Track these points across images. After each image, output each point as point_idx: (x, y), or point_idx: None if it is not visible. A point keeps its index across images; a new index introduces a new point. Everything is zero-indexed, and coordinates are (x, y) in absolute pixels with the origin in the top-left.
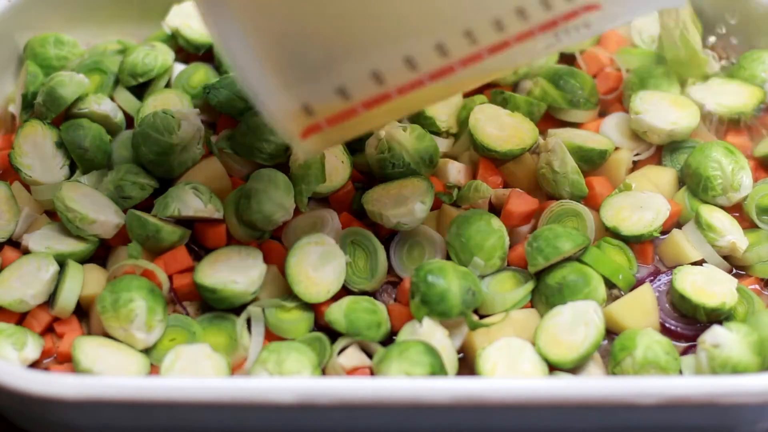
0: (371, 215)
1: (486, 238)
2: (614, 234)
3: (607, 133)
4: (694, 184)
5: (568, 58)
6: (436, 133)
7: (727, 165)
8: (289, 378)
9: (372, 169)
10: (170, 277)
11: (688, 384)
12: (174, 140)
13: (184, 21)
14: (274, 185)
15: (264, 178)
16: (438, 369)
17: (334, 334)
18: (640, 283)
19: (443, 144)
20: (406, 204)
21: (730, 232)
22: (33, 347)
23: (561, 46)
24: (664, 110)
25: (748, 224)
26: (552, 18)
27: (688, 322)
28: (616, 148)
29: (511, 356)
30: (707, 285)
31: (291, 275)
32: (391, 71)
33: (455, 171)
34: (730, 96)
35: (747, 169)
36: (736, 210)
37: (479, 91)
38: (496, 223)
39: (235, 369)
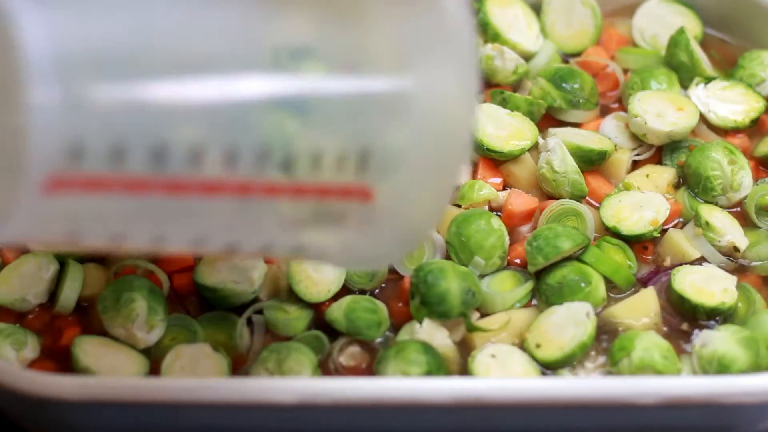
0: None
1: (486, 237)
2: (614, 234)
3: (607, 133)
4: (694, 184)
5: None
6: None
7: (727, 165)
8: (290, 378)
9: None
10: (170, 277)
11: (688, 384)
12: None
13: None
14: None
15: None
16: (435, 368)
17: (333, 333)
18: (640, 281)
19: None
20: None
21: (729, 232)
22: (32, 347)
23: (302, 250)
24: (662, 111)
25: (747, 223)
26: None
27: (687, 322)
28: (617, 148)
29: (501, 361)
30: (706, 284)
31: (291, 275)
32: (177, 148)
33: None
34: (728, 105)
35: (747, 169)
36: (736, 209)
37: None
38: (495, 222)
39: (236, 368)
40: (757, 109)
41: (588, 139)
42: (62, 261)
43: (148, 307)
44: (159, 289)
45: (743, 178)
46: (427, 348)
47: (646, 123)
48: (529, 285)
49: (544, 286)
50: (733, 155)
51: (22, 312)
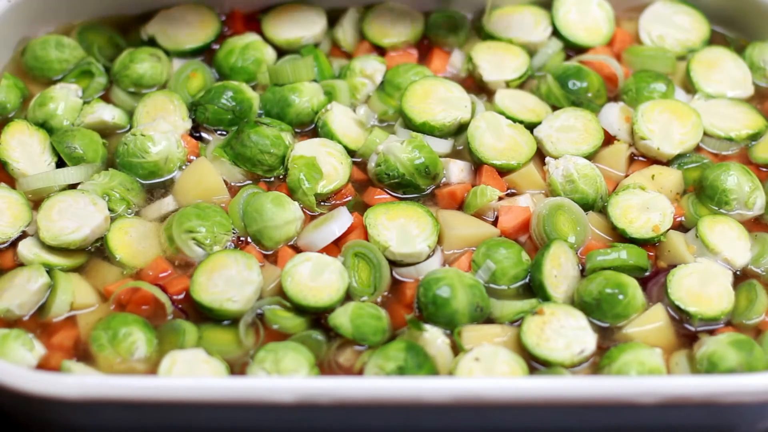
0: (374, 243)
1: (513, 267)
2: (621, 235)
3: (607, 123)
4: (708, 196)
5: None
6: (439, 134)
7: (745, 183)
8: (289, 378)
9: (372, 180)
10: (163, 288)
11: (688, 384)
12: (154, 157)
13: (162, 28)
14: (272, 210)
15: (262, 209)
16: (413, 366)
17: (331, 332)
18: (641, 282)
19: (445, 145)
20: (413, 245)
21: (725, 249)
22: (39, 345)
23: None
24: (668, 128)
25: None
26: None
27: (691, 326)
28: (615, 139)
29: (485, 363)
30: (703, 287)
31: (292, 293)
32: None
33: (458, 170)
34: (727, 121)
35: (761, 190)
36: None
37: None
38: (524, 256)
39: (242, 367)
40: (755, 126)
41: (580, 140)
42: (51, 270)
43: (146, 339)
44: (149, 323)
45: (758, 199)
46: (411, 346)
47: (658, 149)
48: (533, 302)
49: (580, 302)
50: (749, 175)
51: (9, 322)
